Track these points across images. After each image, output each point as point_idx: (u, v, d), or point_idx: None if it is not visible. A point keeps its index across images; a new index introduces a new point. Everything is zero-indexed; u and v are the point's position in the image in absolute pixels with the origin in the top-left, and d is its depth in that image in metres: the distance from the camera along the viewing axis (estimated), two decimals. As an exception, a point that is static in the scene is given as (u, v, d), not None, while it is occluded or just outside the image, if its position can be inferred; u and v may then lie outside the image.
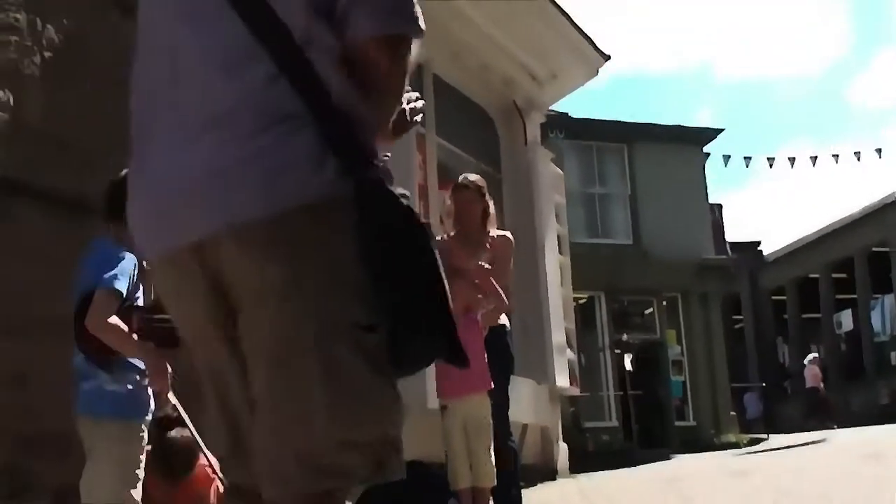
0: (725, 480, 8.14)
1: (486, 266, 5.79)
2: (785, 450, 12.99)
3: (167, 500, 5.13)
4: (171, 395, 4.00)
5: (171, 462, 4.27)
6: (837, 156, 16.85)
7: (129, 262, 3.73)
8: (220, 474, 3.96)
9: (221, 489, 4.43)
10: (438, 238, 6.49)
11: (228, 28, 1.88)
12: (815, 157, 16.32)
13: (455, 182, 6.47)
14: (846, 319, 29.59)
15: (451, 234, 6.30)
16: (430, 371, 6.40)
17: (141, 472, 3.76)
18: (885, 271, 27.32)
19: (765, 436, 20.63)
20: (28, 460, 5.16)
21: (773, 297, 32.12)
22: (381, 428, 1.85)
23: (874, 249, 27.61)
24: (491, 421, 5.66)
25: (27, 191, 5.34)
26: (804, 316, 30.25)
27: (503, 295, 5.84)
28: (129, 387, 3.73)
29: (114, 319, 3.60)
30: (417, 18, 1.93)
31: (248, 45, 1.86)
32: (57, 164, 5.54)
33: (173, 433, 4.49)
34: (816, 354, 24.50)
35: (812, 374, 23.79)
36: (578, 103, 66.84)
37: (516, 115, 11.06)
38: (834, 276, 29.01)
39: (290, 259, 1.83)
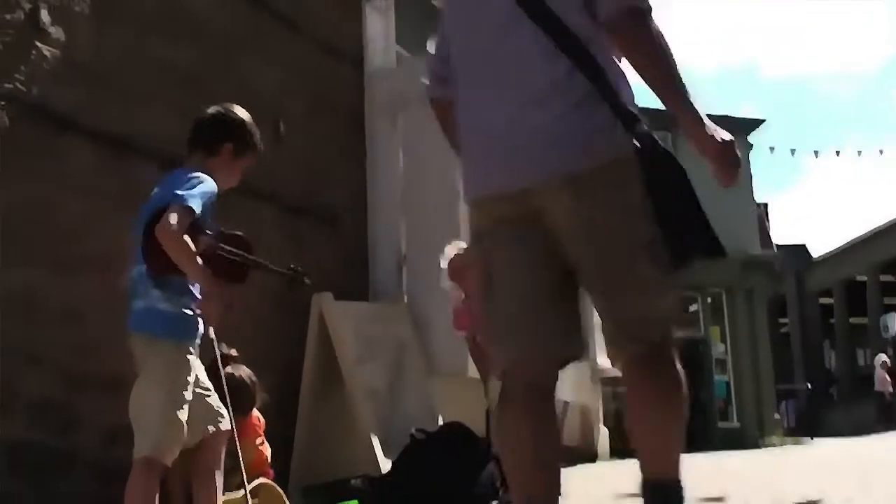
0: (773, 462, 8.01)
1: None
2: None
3: None
4: (211, 331, 3.95)
5: (227, 397, 4.22)
6: (882, 151, 16.55)
7: (207, 185, 3.67)
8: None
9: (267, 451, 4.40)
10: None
11: (534, 34, 2.66)
12: (860, 152, 16.09)
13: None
14: (893, 322, 29.17)
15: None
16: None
17: (189, 395, 3.73)
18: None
19: (809, 438, 20.35)
20: (78, 398, 5.18)
21: (820, 300, 31.72)
22: (673, 303, 2.82)
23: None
24: None
25: (76, 127, 5.37)
26: (851, 320, 29.85)
27: None
28: (183, 309, 3.71)
29: (183, 233, 3.52)
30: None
31: (549, 48, 2.65)
32: (105, 102, 5.58)
33: (229, 369, 4.47)
34: (886, 358, 24.07)
35: (881, 377, 23.45)
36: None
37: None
38: (882, 278, 28.61)
39: (605, 198, 2.62)
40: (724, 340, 22.75)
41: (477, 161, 2.79)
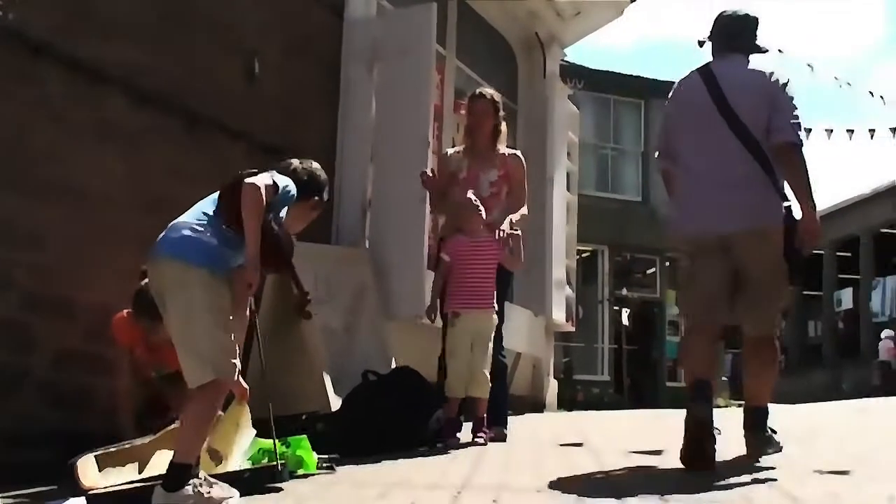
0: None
1: (517, 231, 5.89)
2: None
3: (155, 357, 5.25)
4: None
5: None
6: (852, 131, 16.73)
7: (292, 191, 4.08)
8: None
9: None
10: (451, 150, 6.57)
11: (737, 146, 4.53)
12: (831, 131, 16.26)
13: (472, 93, 6.52)
14: (846, 297, 29.69)
15: (461, 148, 6.36)
16: (430, 287, 6.54)
17: (231, 321, 3.86)
18: (890, 253, 27.39)
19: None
20: (32, 319, 5.25)
21: (776, 271, 32.11)
22: (784, 305, 4.90)
23: (882, 230, 27.66)
24: (492, 337, 5.78)
25: (51, 54, 5.41)
26: (805, 292, 30.33)
27: (521, 258, 5.97)
28: (225, 255, 3.88)
29: (263, 196, 3.83)
30: (803, 137, 4.54)
31: (745, 155, 4.52)
32: (81, 31, 5.61)
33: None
34: (892, 332, 24.64)
35: (886, 348, 23.94)
36: (611, 60, 66.66)
37: (537, 47, 11.09)
38: (839, 254, 29.07)
39: (766, 244, 4.52)
40: (678, 303, 23.06)
41: (696, 214, 4.64)
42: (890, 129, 16.39)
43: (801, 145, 4.49)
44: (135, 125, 5.92)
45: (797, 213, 4.51)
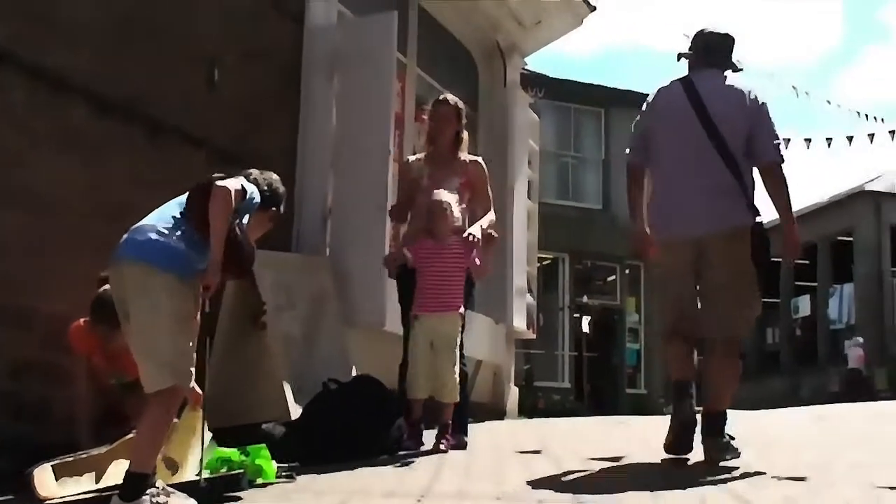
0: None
1: (494, 234, 5.90)
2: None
3: (110, 365, 5.22)
4: None
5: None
6: (810, 140, 16.93)
7: (256, 199, 4.12)
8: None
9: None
10: (413, 158, 6.57)
11: (713, 155, 4.82)
12: (789, 140, 16.43)
13: (435, 98, 6.52)
14: (803, 305, 30.03)
15: (422, 155, 6.35)
16: (391, 294, 6.54)
17: (196, 326, 3.88)
18: (846, 260, 27.74)
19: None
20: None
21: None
22: (756, 311, 4.90)
23: (838, 238, 28.01)
24: (458, 341, 5.79)
25: (12, 62, 5.39)
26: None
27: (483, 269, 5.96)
28: (190, 258, 3.87)
29: (232, 199, 3.87)
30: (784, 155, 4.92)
31: (720, 164, 4.81)
32: (42, 39, 5.60)
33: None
34: (861, 339, 24.79)
35: (856, 355, 24.10)
36: (572, 68, 66.96)
37: (498, 56, 11.11)
38: (796, 261, 29.32)
39: (733, 247, 4.76)
40: (638, 311, 23.25)
41: (670, 218, 4.90)
42: (846, 137, 16.60)
43: (784, 162, 4.88)
44: (96, 133, 5.91)
45: (768, 224, 4.86)
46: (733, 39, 5.19)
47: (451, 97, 6.33)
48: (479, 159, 6.39)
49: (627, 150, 5.32)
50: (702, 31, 5.22)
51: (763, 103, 4.92)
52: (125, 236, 3.90)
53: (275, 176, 4.40)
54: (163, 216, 3.93)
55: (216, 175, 3.96)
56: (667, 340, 5.04)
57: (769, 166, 4.88)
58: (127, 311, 3.85)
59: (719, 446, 4.76)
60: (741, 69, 5.17)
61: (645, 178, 5.17)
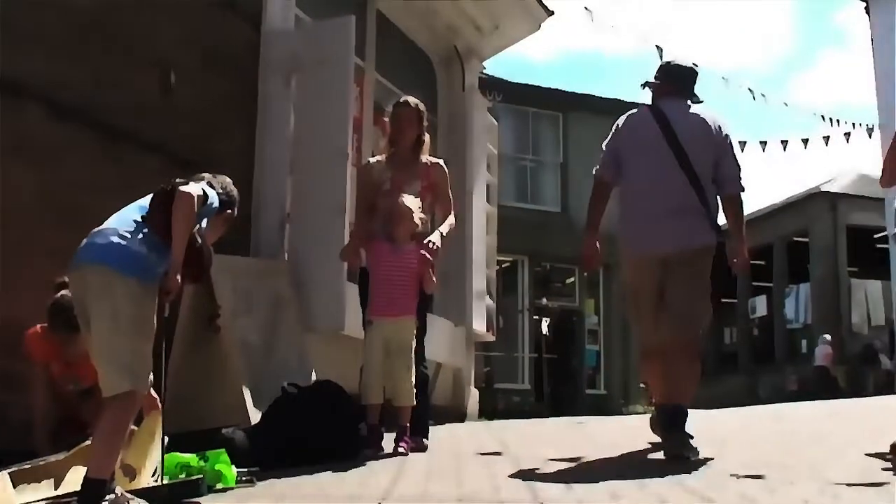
0: (630, 423, 8.43)
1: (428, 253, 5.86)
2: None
3: (69, 371, 5.18)
4: None
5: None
6: (765, 143, 17.11)
7: (215, 204, 4.15)
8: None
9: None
10: (374, 160, 6.53)
11: (681, 178, 5.09)
12: (745, 143, 16.59)
13: (396, 101, 6.47)
14: (760, 305, 30.29)
15: (384, 157, 6.30)
16: (350, 300, 6.53)
17: (154, 329, 3.86)
18: (803, 261, 28.03)
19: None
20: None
21: (692, 279, 32.62)
22: (706, 319, 5.12)
23: (794, 239, 28.30)
24: (414, 345, 5.78)
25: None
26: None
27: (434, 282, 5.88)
28: (152, 262, 3.86)
29: (195, 204, 3.90)
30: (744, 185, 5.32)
31: (687, 186, 5.08)
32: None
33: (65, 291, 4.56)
34: (830, 337, 24.84)
35: (824, 353, 24.19)
36: (531, 73, 67.20)
37: (456, 60, 11.16)
38: (753, 262, 29.58)
39: (696, 263, 5.07)
40: (597, 312, 23.34)
41: (639, 235, 5.18)
42: (802, 139, 16.82)
43: (743, 191, 5.32)
44: (51, 138, 5.86)
45: (730, 246, 5.24)
46: (696, 72, 5.58)
47: (412, 99, 6.27)
48: (441, 162, 6.33)
49: (595, 169, 5.55)
50: (668, 62, 5.67)
51: (727, 135, 5.29)
52: (85, 240, 3.88)
53: (228, 179, 4.41)
54: (123, 220, 3.91)
55: (178, 181, 3.96)
56: (643, 358, 5.47)
57: (732, 196, 5.28)
58: (87, 315, 3.82)
59: (681, 440, 4.84)
60: (702, 101, 5.43)
61: (609, 196, 5.45)
